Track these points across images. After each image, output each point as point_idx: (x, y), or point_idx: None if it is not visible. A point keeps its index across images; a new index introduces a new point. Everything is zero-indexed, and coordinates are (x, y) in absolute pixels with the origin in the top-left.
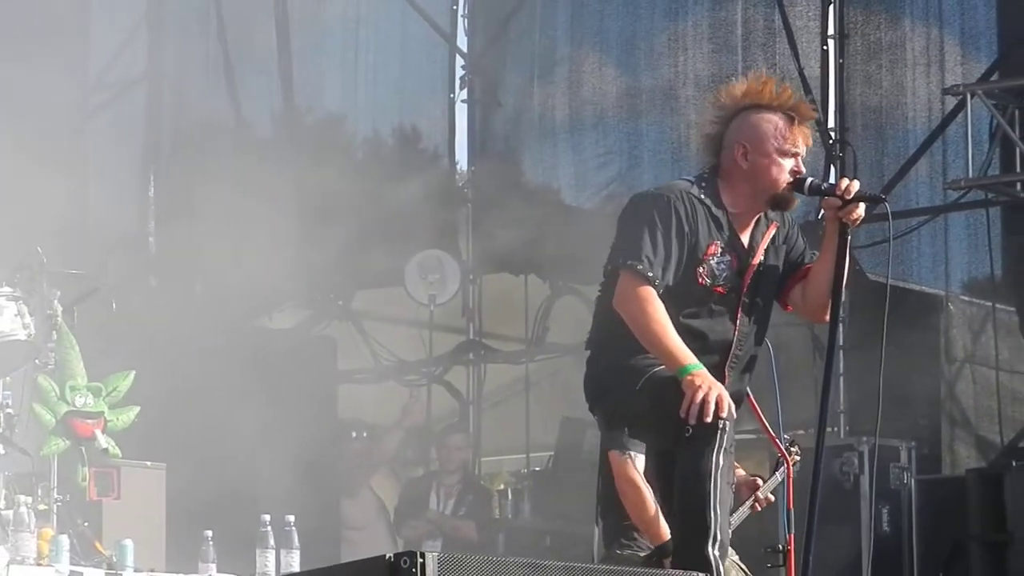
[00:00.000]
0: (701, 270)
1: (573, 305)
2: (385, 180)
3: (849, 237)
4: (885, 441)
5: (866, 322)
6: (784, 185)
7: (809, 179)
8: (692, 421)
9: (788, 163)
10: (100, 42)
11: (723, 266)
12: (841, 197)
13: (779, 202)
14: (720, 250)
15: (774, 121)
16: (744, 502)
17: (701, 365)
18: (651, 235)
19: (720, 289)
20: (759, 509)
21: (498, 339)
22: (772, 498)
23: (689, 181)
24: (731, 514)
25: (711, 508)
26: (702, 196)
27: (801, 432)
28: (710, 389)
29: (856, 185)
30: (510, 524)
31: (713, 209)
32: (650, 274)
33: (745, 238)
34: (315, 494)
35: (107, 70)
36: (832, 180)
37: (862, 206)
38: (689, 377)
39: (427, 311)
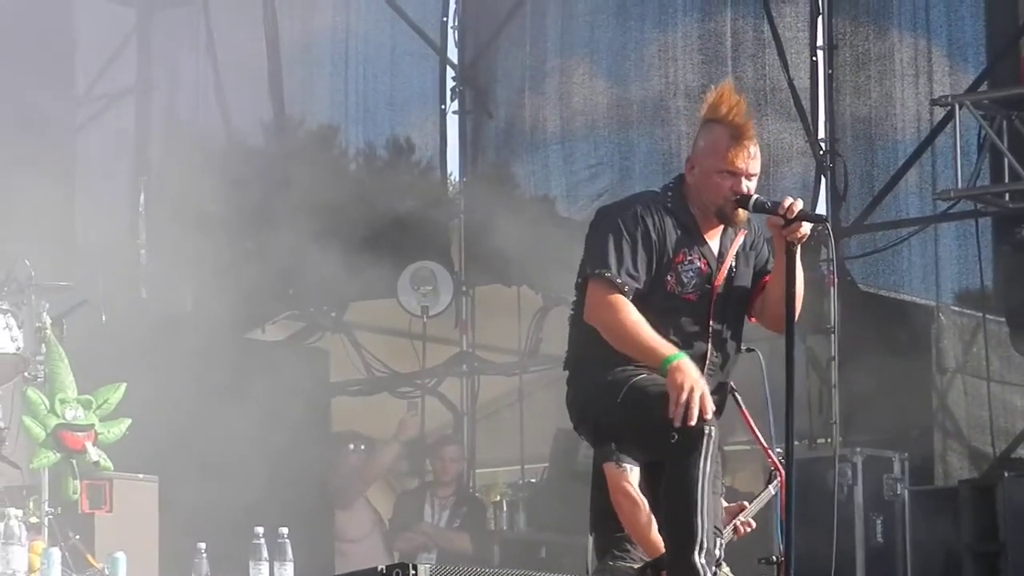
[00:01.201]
0: (669, 278)
1: (566, 316)
2: (378, 191)
3: (797, 253)
4: (878, 452)
5: (858, 332)
6: (724, 201)
7: (754, 196)
8: (677, 423)
9: (728, 181)
10: (89, 55)
11: (692, 273)
12: (784, 216)
13: (722, 217)
14: (688, 258)
15: (719, 139)
16: (727, 525)
17: (683, 354)
18: (616, 244)
19: (690, 297)
20: (743, 533)
21: (491, 350)
22: (753, 524)
23: (656, 192)
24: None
25: (698, 516)
26: (669, 205)
27: (796, 443)
28: (692, 389)
29: (799, 204)
30: (505, 536)
31: (681, 217)
32: (618, 281)
33: (715, 245)
34: (309, 506)
35: (96, 83)
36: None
37: (806, 224)
38: (672, 367)
39: (420, 322)
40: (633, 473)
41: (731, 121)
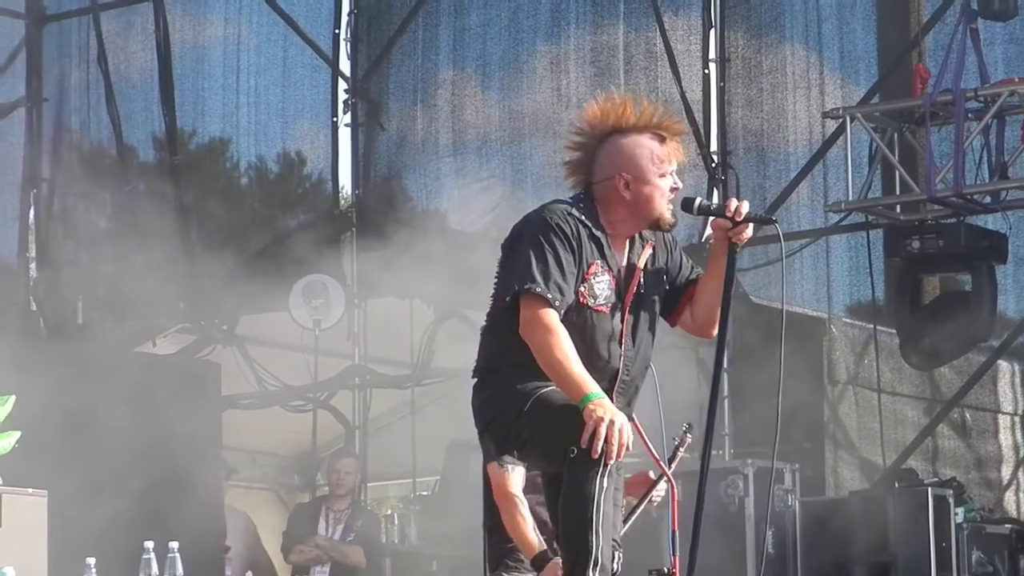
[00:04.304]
0: (582, 289)
1: (458, 329)
2: (269, 205)
3: (737, 256)
4: (769, 463)
5: (749, 344)
6: (665, 207)
7: (698, 200)
8: (584, 446)
9: (667, 183)
10: None
11: (603, 285)
12: (732, 218)
13: (660, 224)
14: (600, 269)
15: (648, 145)
16: (640, 500)
17: (603, 394)
18: (541, 257)
19: (601, 308)
20: (654, 503)
21: (383, 364)
22: (662, 492)
23: (568, 203)
24: (625, 521)
25: (593, 532)
26: (582, 217)
27: (687, 456)
28: (611, 423)
29: (746, 206)
30: (396, 549)
31: (593, 230)
32: (550, 296)
33: (623, 259)
34: (200, 520)
35: None
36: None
37: (751, 227)
38: (591, 405)
39: (312, 336)
40: (515, 474)
41: (656, 123)
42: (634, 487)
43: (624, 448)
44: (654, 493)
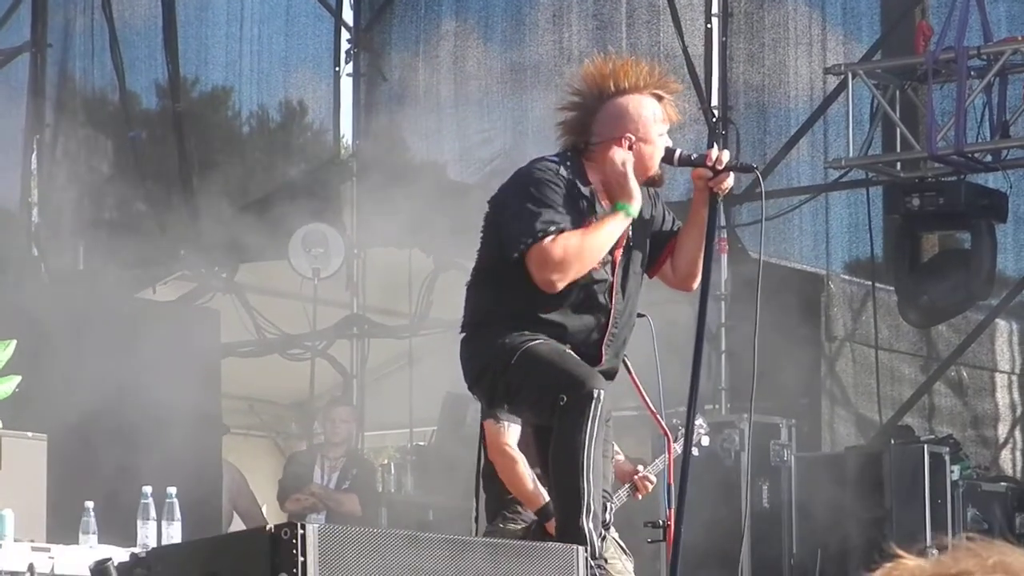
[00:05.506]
0: None
1: (457, 280)
2: (270, 153)
3: (719, 206)
4: (765, 418)
5: (748, 300)
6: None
7: (678, 150)
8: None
9: (664, 141)
10: None
11: None
12: (712, 167)
13: (655, 180)
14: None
15: (651, 106)
16: (623, 484)
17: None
18: (541, 207)
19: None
20: (646, 491)
21: (382, 313)
22: (654, 480)
23: (554, 161)
24: (611, 489)
25: (584, 479)
26: (569, 175)
27: (683, 408)
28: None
29: (726, 155)
30: (392, 498)
31: (581, 188)
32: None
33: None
34: (197, 466)
35: None
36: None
37: (732, 175)
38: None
39: (311, 284)
40: (511, 430)
41: (654, 83)
42: (618, 474)
43: None
44: (638, 478)
